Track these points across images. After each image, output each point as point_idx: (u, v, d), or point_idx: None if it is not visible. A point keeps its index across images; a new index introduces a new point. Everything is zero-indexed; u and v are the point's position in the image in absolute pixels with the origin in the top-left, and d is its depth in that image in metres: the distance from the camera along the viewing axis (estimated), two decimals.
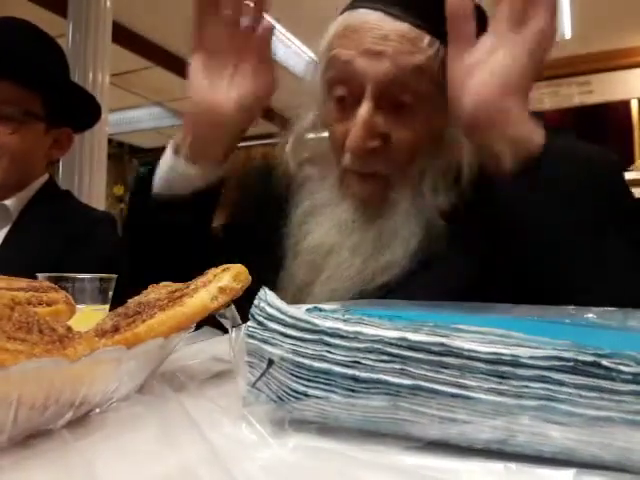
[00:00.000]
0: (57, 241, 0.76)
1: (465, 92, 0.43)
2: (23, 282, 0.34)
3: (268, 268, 0.50)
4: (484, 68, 0.42)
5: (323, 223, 0.52)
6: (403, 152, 0.49)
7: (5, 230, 0.78)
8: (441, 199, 0.50)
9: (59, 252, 0.73)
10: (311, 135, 0.57)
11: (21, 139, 0.77)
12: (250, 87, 0.51)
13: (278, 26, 3.06)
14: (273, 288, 0.24)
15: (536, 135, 0.42)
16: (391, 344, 0.20)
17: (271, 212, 0.56)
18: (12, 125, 0.76)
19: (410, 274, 0.49)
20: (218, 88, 0.51)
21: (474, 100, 0.42)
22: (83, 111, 0.86)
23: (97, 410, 0.25)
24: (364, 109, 0.47)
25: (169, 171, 0.54)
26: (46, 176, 0.86)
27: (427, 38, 0.47)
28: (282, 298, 0.23)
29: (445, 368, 0.19)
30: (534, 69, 0.43)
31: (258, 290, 0.24)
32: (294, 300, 0.51)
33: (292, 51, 3.32)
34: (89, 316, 0.37)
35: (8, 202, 0.79)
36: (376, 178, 0.50)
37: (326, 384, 0.21)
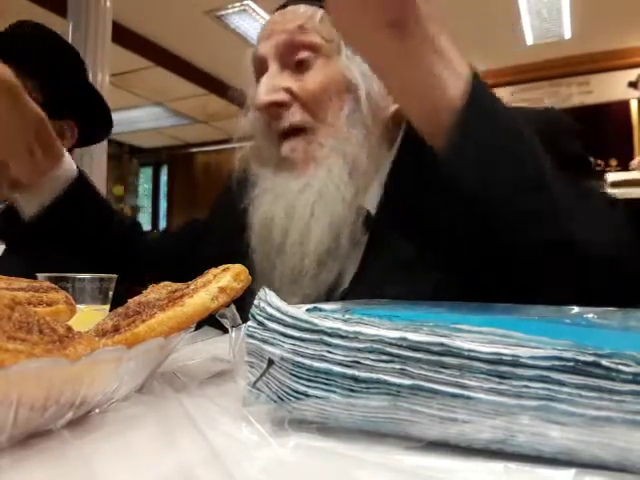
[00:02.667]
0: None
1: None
2: (23, 282, 0.34)
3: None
4: None
5: (266, 198, 0.54)
6: (310, 100, 0.52)
7: None
8: (367, 146, 0.51)
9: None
10: (253, 124, 0.59)
11: None
12: None
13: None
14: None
15: (454, 82, 0.37)
16: (391, 344, 0.20)
17: (232, 224, 0.58)
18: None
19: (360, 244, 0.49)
20: None
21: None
22: (87, 103, 0.85)
23: (97, 410, 0.25)
24: (269, 70, 0.54)
25: None
26: None
27: (302, 6, 0.55)
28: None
29: (445, 368, 0.19)
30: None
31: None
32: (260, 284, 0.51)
33: None
34: (89, 316, 0.37)
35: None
36: (297, 133, 0.53)
37: (326, 384, 0.21)
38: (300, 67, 0.53)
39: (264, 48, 0.55)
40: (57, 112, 0.82)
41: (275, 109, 0.53)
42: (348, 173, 0.50)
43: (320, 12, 0.53)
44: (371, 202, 0.52)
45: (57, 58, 0.81)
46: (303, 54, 0.53)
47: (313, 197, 0.50)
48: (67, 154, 0.58)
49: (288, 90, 0.53)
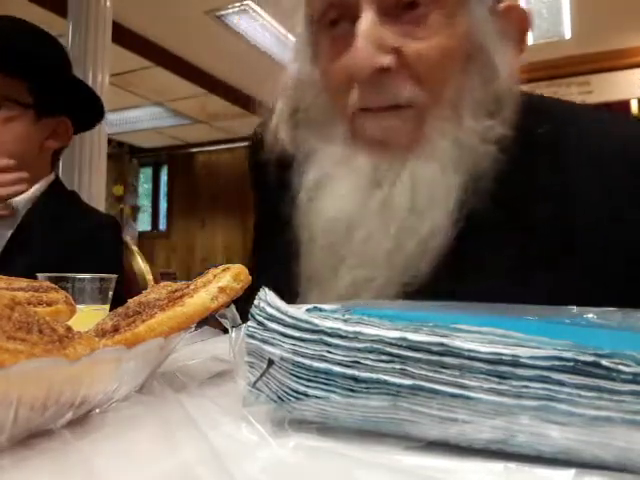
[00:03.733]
0: (60, 244, 0.76)
1: None
2: (23, 282, 0.34)
3: (285, 267, 0.44)
4: None
5: (334, 192, 0.41)
6: (426, 69, 0.38)
7: (10, 229, 0.78)
8: (488, 132, 0.38)
9: (62, 255, 0.73)
10: (305, 94, 0.45)
11: (2, 125, 0.76)
12: None
13: (277, 25, 3.06)
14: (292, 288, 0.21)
15: None
16: (391, 344, 0.20)
17: (277, 208, 0.47)
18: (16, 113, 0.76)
19: (457, 249, 0.38)
20: None
21: None
22: (79, 99, 0.85)
23: (97, 410, 0.25)
24: (365, 20, 0.37)
25: None
26: (52, 176, 0.85)
27: None
28: (301, 299, 0.21)
29: (445, 368, 0.19)
30: None
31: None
32: (317, 299, 0.41)
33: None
34: (89, 316, 0.37)
35: (16, 200, 0.78)
36: (398, 111, 0.39)
37: (326, 384, 0.21)
38: (412, 17, 0.38)
39: None
40: (49, 111, 0.82)
41: (374, 76, 0.38)
42: (457, 167, 0.39)
43: None
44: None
45: (42, 55, 0.79)
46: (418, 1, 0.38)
47: (415, 199, 0.38)
48: None
49: (396, 51, 0.38)
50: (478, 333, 0.20)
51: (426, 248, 0.39)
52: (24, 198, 0.79)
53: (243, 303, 0.27)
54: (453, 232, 0.39)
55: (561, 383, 0.18)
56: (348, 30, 0.39)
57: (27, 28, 0.80)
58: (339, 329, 0.21)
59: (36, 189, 0.81)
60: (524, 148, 0.40)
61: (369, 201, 0.40)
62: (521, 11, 0.42)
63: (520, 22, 0.42)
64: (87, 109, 0.87)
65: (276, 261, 0.47)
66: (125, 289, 0.68)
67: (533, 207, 0.39)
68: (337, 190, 0.41)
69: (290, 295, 0.43)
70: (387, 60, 0.38)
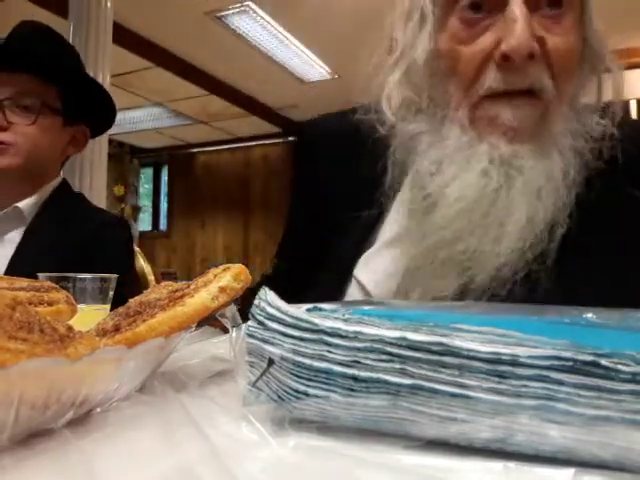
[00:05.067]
0: (70, 244, 0.76)
1: None
2: (24, 282, 0.34)
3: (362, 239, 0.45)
4: None
5: (459, 174, 0.41)
6: (561, 62, 0.41)
7: (19, 232, 0.78)
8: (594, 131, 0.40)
9: (72, 255, 0.73)
10: (420, 74, 0.45)
11: (40, 131, 0.77)
12: None
13: (277, 26, 3.07)
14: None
15: None
16: (391, 344, 0.20)
17: (354, 195, 0.48)
18: (31, 116, 0.76)
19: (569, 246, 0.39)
20: None
21: None
22: (99, 107, 0.86)
23: (98, 409, 0.25)
24: (518, 8, 0.39)
25: None
26: (60, 178, 0.86)
27: None
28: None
29: (445, 367, 0.19)
30: None
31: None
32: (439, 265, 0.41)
33: (292, 52, 3.32)
34: (90, 316, 0.37)
35: (22, 205, 0.79)
36: (529, 98, 0.41)
37: (326, 383, 0.21)
38: (551, 15, 0.40)
39: None
40: (73, 117, 0.83)
41: (523, 59, 0.39)
42: (574, 160, 0.40)
43: None
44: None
45: (70, 59, 0.81)
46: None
47: (542, 180, 0.39)
48: None
49: (541, 40, 0.40)
50: (478, 333, 0.20)
51: (545, 238, 0.39)
52: (31, 201, 0.79)
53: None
54: (565, 228, 0.40)
55: (560, 382, 0.18)
56: (490, 16, 0.41)
57: (51, 32, 0.81)
58: (339, 329, 0.21)
59: (44, 192, 0.82)
60: (628, 153, 0.41)
61: (494, 187, 0.40)
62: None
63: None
64: (104, 114, 0.88)
65: (345, 235, 0.48)
66: (132, 288, 0.68)
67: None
68: (460, 174, 0.42)
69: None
70: (536, 48, 0.40)
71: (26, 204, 0.79)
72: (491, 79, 0.41)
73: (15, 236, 0.77)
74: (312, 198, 0.55)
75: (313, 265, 0.50)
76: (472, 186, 0.41)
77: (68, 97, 0.80)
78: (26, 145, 0.76)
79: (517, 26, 0.39)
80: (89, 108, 0.84)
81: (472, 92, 0.42)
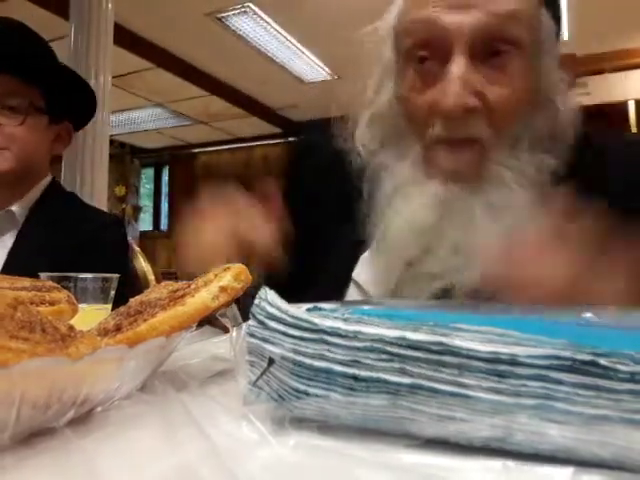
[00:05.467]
0: (66, 246, 0.75)
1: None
2: (26, 282, 0.34)
3: (342, 264, 0.49)
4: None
5: (411, 202, 0.46)
6: (502, 112, 0.43)
7: (12, 235, 0.78)
8: (543, 164, 0.43)
9: (68, 257, 0.73)
10: (384, 116, 0.50)
11: (28, 131, 0.77)
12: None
13: (277, 26, 3.07)
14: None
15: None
16: (391, 343, 0.20)
17: (339, 208, 0.52)
18: (19, 117, 0.76)
19: None
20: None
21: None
22: (82, 101, 0.85)
23: (99, 408, 0.25)
24: (457, 64, 0.42)
25: None
26: (49, 177, 0.85)
27: None
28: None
29: (444, 367, 0.19)
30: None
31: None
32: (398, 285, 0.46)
33: (292, 52, 3.32)
34: (91, 315, 0.37)
35: (14, 207, 0.78)
36: (470, 145, 0.44)
37: (326, 383, 0.21)
38: (496, 63, 0.43)
39: (452, 21, 0.42)
40: (57, 116, 0.82)
41: (459, 114, 0.42)
42: (520, 192, 0.43)
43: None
44: None
45: (50, 59, 0.80)
46: (503, 47, 0.42)
47: (496, 220, 0.42)
48: None
49: (480, 94, 0.43)
50: (477, 332, 0.20)
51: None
52: (23, 203, 0.79)
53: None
54: None
55: (559, 382, 0.18)
56: (437, 69, 0.44)
57: (25, 29, 0.80)
58: (339, 328, 0.21)
59: (34, 193, 0.81)
60: (578, 176, 0.44)
61: (441, 218, 0.45)
62: (571, 56, 0.49)
63: (571, 66, 0.49)
64: (87, 107, 0.87)
65: (329, 253, 0.53)
66: (129, 288, 0.68)
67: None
68: (412, 202, 0.46)
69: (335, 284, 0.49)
70: (473, 101, 0.43)
71: (18, 206, 0.79)
72: (437, 128, 0.45)
73: (8, 239, 0.77)
74: (306, 202, 0.59)
75: (311, 267, 0.52)
76: (414, 218, 0.46)
77: (51, 95, 0.80)
78: (16, 147, 0.76)
79: (452, 87, 0.42)
80: (72, 104, 0.83)
81: (424, 137, 0.46)
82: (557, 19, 0.46)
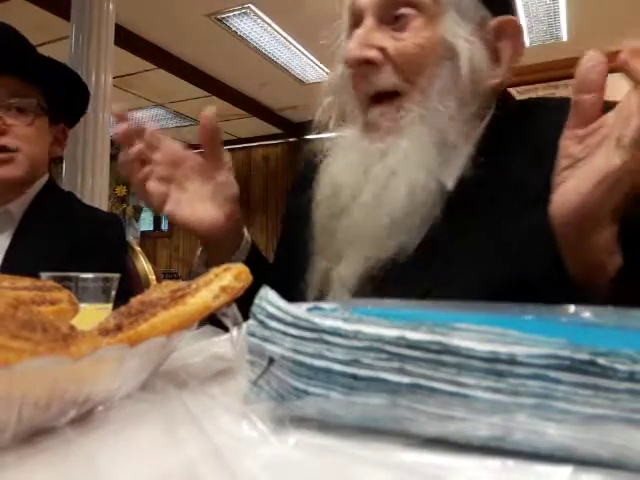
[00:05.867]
0: (64, 245, 0.75)
1: (556, 193, 0.36)
2: (27, 281, 0.34)
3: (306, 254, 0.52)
4: (579, 172, 0.35)
5: (340, 155, 0.51)
6: (404, 63, 0.49)
7: (9, 235, 0.77)
8: (457, 117, 0.47)
9: (66, 256, 0.73)
10: (338, 89, 0.56)
11: (37, 132, 0.77)
12: (214, 190, 0.53)
13: (278, 28, 3.07)
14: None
15: (611, 266, 0.35)
16: (390, 343, 0.20)
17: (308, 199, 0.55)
18: (27, 118, 0.76)
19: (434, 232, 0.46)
20: (198, 211, 0.52)
21: (555, 211, 0.36)
22: (77, 101, 0.85)
23: (100, 407, 0.25)
24: (361, 27, 0.50)
25: None
26: (46, 176, 0.85)
27: None
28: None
29: (443, 366, 0.20)
30: (610, 201, 0.33)
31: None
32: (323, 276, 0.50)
33: (292, 53, 3.33)
34: (92, 315, 0.37)
35: (12, 207, 0.78)
36: (388, 97, 0.50)
37: (326, 382, 0.21)
38: (399, 24, 0.49)
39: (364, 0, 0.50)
40: (56, 117, 0.83)
41: (365, 67, 0.49)
42: (434, 144, 0.47)
43: None
44: (451, 176, 0.49)
45: (46, 57, 0.80)
46: (404, 10, 0.49)
47: (394, 164, 0.47)
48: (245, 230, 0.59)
49: (382, 49, 0.49)
50: (476, 332, 0.20)
51: (402, 212, 0.47)
52: (20, 202, 0.79)
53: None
54: (432, 202, 0.47)
55: (558, 381, 0.18)
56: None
57: (16, 31, 0.80)
58: (339, 328, 0.21)
59: (31, 192, 0.81)
60: (501, 135, 0.49)
61: (361, 169, 0.49)
62: (513, 24, 0.51)
63: (513, 34, 0.51)
64: (81, 106, 0.87)
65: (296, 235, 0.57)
66: (128, 286, 0.68)
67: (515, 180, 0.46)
68: (339, 161, 0.52)
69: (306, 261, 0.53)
70: (371, 53, 0.48)
71: (15, 206, 0.78)
72: (355, 83, 0.51)
73: (5, 239, 0.77)
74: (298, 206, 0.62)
75: (299, 266, 0.55)
76: (349, 173, 0.50)
77: (51, 96, 0.80)
78: (28, 149, 0.76)
79: (352, 44, 0.49)
80: (70, 104, 0.84)
81: (355, 98, 0.52)
82: None
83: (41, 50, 0.80)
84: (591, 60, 0.35)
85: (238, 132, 4.88)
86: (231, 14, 2.97)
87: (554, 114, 0.41)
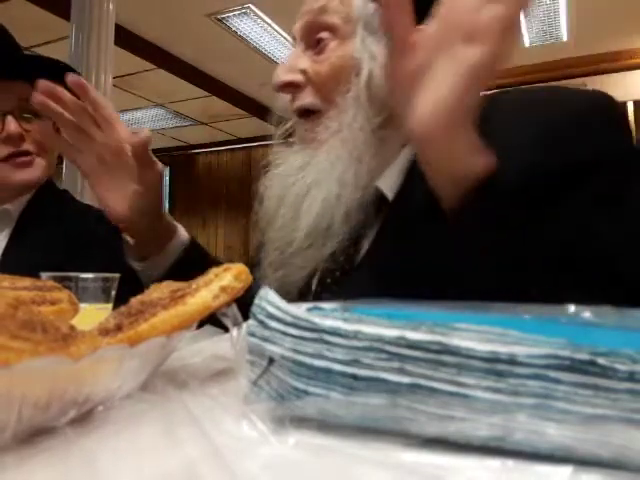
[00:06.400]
0: (60, 242, 0.75)
1: (409, 114, 0.36)
2: (27, 281, 0.34)
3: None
4: (425, 86, 0.35)
5: (275, 172, 0.57)
6: (321, 83, 0.53)
7: (6, 234, 0.77)
8: (366, 122, 0.50)
9: (63, 253, 0.73)
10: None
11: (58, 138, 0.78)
12: (131, 186, 0.56)
13: (278, 27, 3.07)
14: None
15: (480, 172, 0.35)
16: (390, 343, 0.20)
17: None
18: (42, 122, 0.76)
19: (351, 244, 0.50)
20: (116, 200, 0.57)
21: (414, 130, 0.36)
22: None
23: (100, 408, 0.25)
24: (291, 53, 0.56)
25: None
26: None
27: None
28: None
29: (443, 366, 0.20)
30: (472, 97, 0.34)
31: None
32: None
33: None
34: (92, 315, 0.37)
35: (8, 206, 0.78)
36: (310, 114, 0.54)
37: (326, 382, 0.21)
38: (319, 48, 0.54)
39: (295, 28, 0.57)
40: None
41: (289, 89, 0.54)
42: (349, 157, 0.50)
43: None
44: (389, 186, 0.51)
45: (44, 57, 0.80)
46: (322, 34, 0.54)
47: (311, 176, 0.51)
48: (180, 226, 0.63)
49: (304, 72, 0.54)
50: (476, 332, 0.20)
51: (319, 221, 0.50)
52: (18, 201, 0.79)
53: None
54: (354, 210, 0.50)
55: (558, 381, 0.18)
56: None
57: (8, 32, 0.80)
58: (339, 328, 0.21)
59: (29, 191, 0.81)
60: None
61: (285, 182, 0.54)
62: None
63: None
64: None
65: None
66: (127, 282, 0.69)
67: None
68: (275, 172, 0.57)
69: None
70: (292, 77, 0.54)
71: (13, 205, 0.78)
72: (280, 101, 0.57)
73: (3, 238, 0.77)
74: None
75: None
76: (276, 184, 0.55)
77: None
78: (47, 153, 0.77)
79: (277, 70, 0.55)
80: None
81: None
82: None
83: (41, 50, 0.80)
84: None
85: (238, 132, 4.88)
86: (231, 14, 2.98)
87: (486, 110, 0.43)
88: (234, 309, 0.29)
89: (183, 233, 0.62)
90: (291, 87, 0.54)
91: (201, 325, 0.41)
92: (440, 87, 0.34)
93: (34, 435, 0.22)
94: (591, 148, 0.41)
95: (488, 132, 0.38)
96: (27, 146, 0.75)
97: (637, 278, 0.38)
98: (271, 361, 0.23)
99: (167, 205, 5.98)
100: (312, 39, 0.54)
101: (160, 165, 0.57)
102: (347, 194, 0.49)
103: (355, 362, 0.21)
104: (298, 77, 0.54)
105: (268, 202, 0.55)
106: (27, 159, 0.75)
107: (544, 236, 0.37)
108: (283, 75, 0.54)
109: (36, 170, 0.76)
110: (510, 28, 0.33)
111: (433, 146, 0.36)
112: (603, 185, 0.40)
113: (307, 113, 0.54)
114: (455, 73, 0.34)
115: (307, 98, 0.54)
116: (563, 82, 3.77)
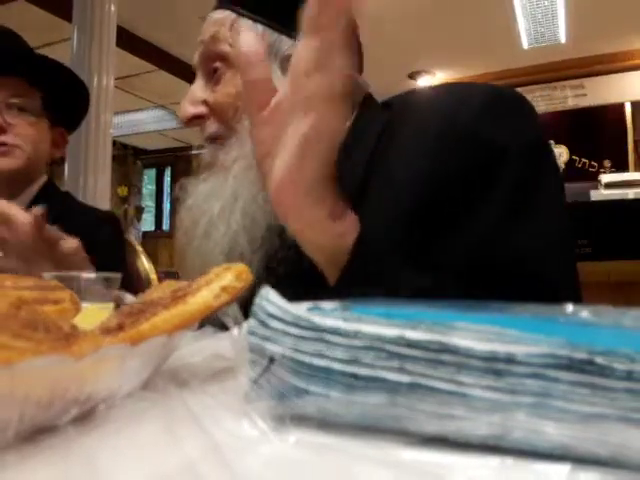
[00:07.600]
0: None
1: (266, 179, 0.36)
2: (30, 281, 0.34)
3: None
4: (278, 153, 0.34)
5: (182, 211, 0.58)
6: (221, 112, 0.55)
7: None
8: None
9: None
10: None
11: (38, 132, 0.79)
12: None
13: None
14: None
15: (343, 239, 0.35)
16: (390, 342, 0.20)
17: None
18: (29, 118, 0.77)
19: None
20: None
21: (270, 196, 0.36)
22: (77, 103, 0.86)
23: (102, 406, 0.25)
24: (194, 84, 0.56)
25: None
26: (45, 177, 0.86)
27: (218, 11, 0.55)
28: None
29: (442, 365, 0.20)
30: (312, 165, 0.33)
31: None
32: None
33: None
34: (94, 314, 0.37)
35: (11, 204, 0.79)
36: (215, 141, 0.56)
37: (326, 381, 0.21)
38: (215, 78, 0.55)
39: (194, 58, 0.58)
40: (55, 120, 0.83)
41: (195, 122, 0.56)
42: (252, 183, 0.51)
43: (232, 17, 0.53)
44: None
45: (46, 58, 0.81)
46: (217, 64, 0.55)
47: (216, 206, 0.53)
48: None
49: (205, 102, 0.55)
50: (475, 331, 0.20)
51: (227, 245, 0.51)
52: (17, 201, 0.79)
53: None
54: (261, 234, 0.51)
55: (556, 380, 0.18)
56: None
57: (16, 33, 0.81)
58: (339, 327, 0.22)
59: (30, 192, 0.82)
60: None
61: (195, 209, 0.56)
62: None
63: None
64: (81, 109, 0.88)
65: None
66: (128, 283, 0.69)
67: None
68: (184, 211, 0.58)
69: None
70: (197, 110, 0.56)
71: (14, 203, 0.79)
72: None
73: None
74: None
75: None
76: (190, 217, 0.56)
77: (52, 97, 0.81)
78: (28, 147, 0.77)
79: (182, 101, 0.56)
80: (70, 106, 0.85)
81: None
82: (269, 18, 0.54)
83: (43, 52, 0.80)
84: (248, 44, 0.35)
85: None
86: None
87: (411, 107, 0.45)
88: (235, 308, 0.29)
89: None
90: (196, 119, 0.56)
91: (202, 326, 0.41)
92: (284, 155, 0.33)
93: (36, 434, 0.22)
94: (498, 136, 0.41)
95: (391, 149, 0.40)
96: (7, 138, 0.76)
97: (553, 277, 0.39)
98: (271, 360, 0.23)
99: (169, 205, 5.99)
100: (208, 69, 0.55)
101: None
102: (252, 223, 0.50)
103: (355, 361, 0.21)
104: (200, 109, 0.55)
105: (179, 233, 0.56)
106: (4, 149, 0.76)
107: (455, 248, 0.38)
108: (186, 109, 0.55)
109: (15, 161, 0.77)
110: (335, 97, 0.32)
111: (287, 213, 0.35)
112: (512, 182, 0.41)
113: (212, 141, 0.56)
114: (292, 141, 0.33)
115: (211, 127, 0.56)
116: (560, 83, 3.77)
